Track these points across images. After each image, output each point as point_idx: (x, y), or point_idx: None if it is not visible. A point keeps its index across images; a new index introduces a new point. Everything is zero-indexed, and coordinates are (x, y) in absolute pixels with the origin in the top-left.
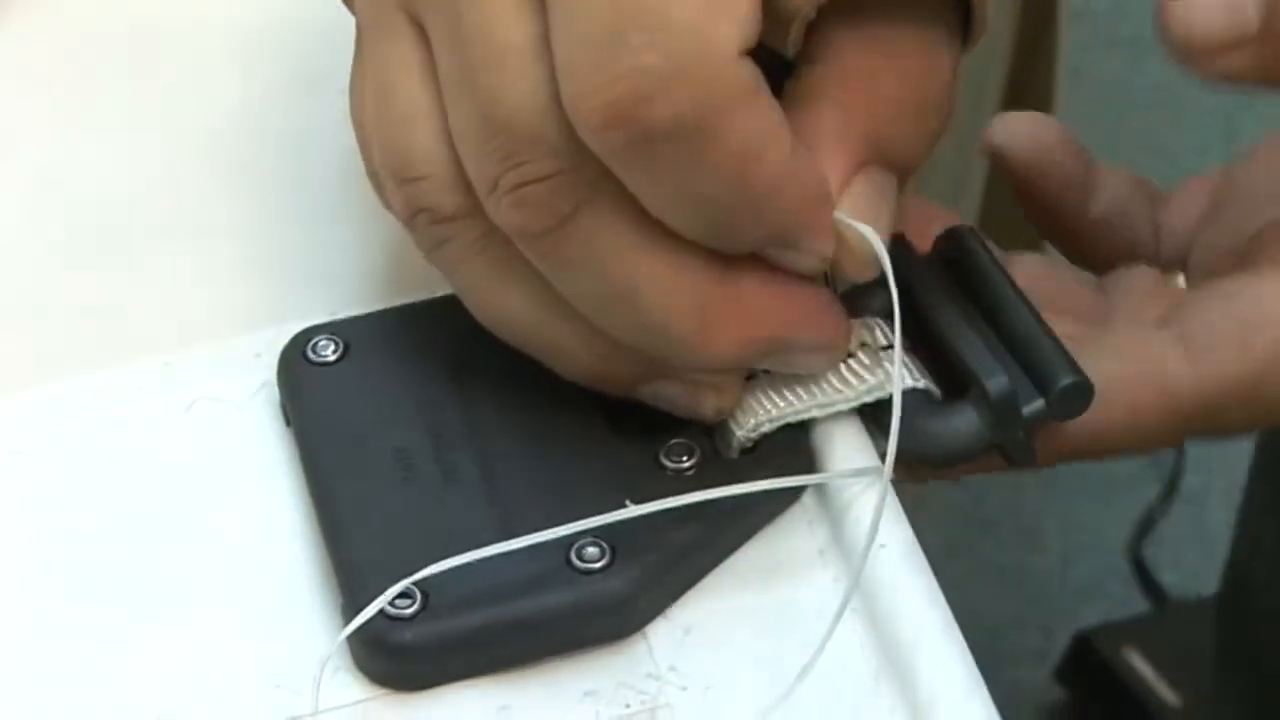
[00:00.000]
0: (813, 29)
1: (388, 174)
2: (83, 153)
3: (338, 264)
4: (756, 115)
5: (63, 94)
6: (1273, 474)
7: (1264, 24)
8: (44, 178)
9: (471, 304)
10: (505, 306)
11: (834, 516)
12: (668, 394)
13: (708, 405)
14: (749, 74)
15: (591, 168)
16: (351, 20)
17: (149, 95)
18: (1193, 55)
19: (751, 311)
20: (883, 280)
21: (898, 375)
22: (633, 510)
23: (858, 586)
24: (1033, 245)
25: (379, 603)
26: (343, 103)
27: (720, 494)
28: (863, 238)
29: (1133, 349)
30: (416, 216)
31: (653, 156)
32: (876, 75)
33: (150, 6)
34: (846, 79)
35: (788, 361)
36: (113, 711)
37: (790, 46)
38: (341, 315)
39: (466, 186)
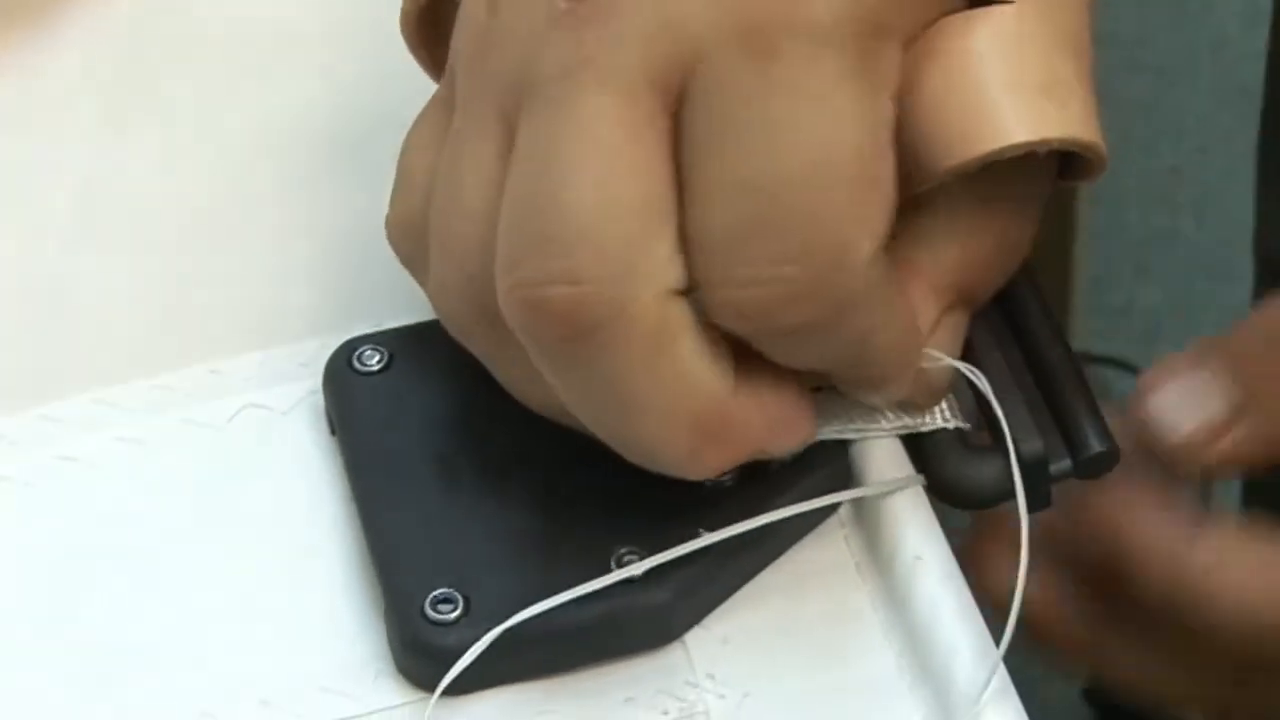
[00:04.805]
0: None
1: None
2: (131, 161)
3: (383, 275)
4: (879, 305)
5: (114, 102)
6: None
7: (1243, 399)
8: (93, 184)
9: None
10: (531, 397)
11: (870, 529)
12: None
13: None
14: (879, 273)
15: (636, 284)
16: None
17: (201, 107)
18: (1191, 453)
19: (739, 432)
20: None
21: (1020, 497)
22: (706, 539)
23: (893, 600)
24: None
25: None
26: (400, 115)
27: (766, 520)
28: (961, 374)
29: None
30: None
31: (778, 343)
32: (977, 232)
33: (207, 10)
34: (952, 233)
35: (757, 457)
36: (158, 713)
37: (911, 191)
38: (387, 326)
39: (478, 301)
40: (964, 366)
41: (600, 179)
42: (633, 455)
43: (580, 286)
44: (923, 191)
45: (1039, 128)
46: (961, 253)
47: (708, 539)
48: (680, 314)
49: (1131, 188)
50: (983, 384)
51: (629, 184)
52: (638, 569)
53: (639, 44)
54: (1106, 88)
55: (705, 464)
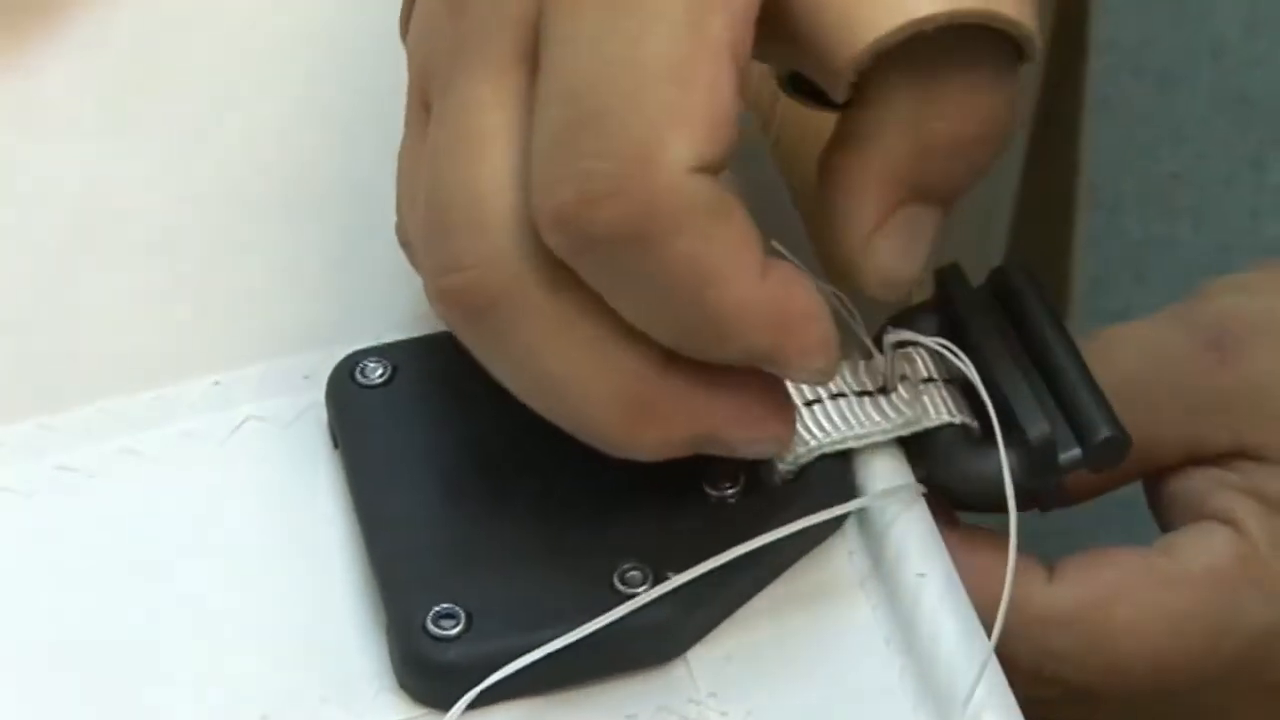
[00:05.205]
0: (862, 72)
1: None
2: (132, 169)
3: (386, 287)
4: (710, 236)
5: (112, 109)
6: None
7: None
8: (94, 193)
9: None
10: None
11: (874, 545)
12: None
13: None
14: (703, 192)
15: (516, 260)
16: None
17: (201, 112)
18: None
19: (680, 410)
20: (929, 307)
21: (1008, 482)
22: (674, 581)
23: (896, 617)
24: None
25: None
26: (397, 123)
27: (766, 540)
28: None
29: None
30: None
31: (600, 264)
32: (920, 120)
33: (203, 21)
34: (891, 124)
35: (724, 452)
36: None
37: (838, 97)
38: (389, 339)
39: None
40: (934, 341)
41: (473, 162)
42: (582, 436)
43: (465, 272)
44: (856, 89)
45: (946, 2)
46: (908, 141)
47: (675, 581)
48: (578, 284)
49: (1130, 193)
50: (961, 360)
51: (499, 162)
52: (639, 601)
53: (501, 19)
54: (1106, 93)
55: (645, 441)
